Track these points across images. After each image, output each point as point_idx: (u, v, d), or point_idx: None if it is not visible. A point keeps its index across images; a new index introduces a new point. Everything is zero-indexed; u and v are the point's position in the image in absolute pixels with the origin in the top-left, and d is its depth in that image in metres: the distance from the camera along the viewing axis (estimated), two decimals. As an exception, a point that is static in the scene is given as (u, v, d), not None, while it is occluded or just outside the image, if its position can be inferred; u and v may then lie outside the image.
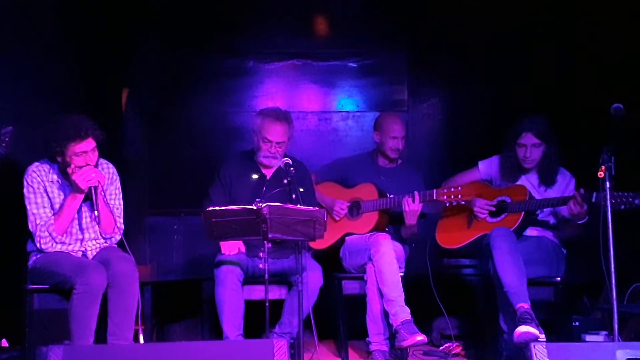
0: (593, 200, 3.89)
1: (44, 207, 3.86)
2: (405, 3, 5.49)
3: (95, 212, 3.79)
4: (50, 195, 3.89)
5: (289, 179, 3.97)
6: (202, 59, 5.56)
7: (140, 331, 3.76)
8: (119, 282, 3.71)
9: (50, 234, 3.82)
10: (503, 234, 4.02)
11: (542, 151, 4.28)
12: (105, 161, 4.03)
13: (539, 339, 3.65)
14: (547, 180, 4.29)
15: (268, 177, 4.39)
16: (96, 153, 3.85)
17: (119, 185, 4.06)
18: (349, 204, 4.59)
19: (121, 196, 4.06)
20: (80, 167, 3.77)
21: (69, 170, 3.78)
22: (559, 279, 4.19)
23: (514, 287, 3.88)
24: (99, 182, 3.80)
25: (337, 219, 4.57)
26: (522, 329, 3.70)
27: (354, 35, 5.58)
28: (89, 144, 3.80)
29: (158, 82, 5.53)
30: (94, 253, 3.96)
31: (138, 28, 5.44)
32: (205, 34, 5.50)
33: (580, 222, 4.07)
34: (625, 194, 3.73)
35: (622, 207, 3.73)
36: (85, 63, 4.96)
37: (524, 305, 3.82)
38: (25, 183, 3.86)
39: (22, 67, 4.40)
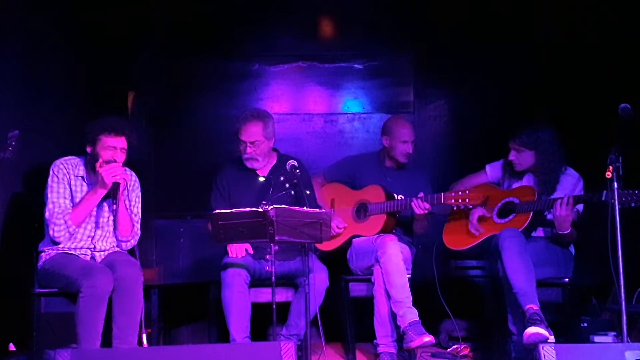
0: (602, 198, 3.87)
1: (65, 197, 3.91)
2: (411, 5, 5.48)
3: (114, 206, 3.85)
4: (73, 188, 3.94)
5: (295, 181, 3.96)
6: (207, 62, 5.57)
7: (144, 334, 3.76)
8: (123, 286, 3.72)
9: (65, 222, 3.84)
10: (512, 235, 4.01)
11: (533, 158, 4.29)
12: (129, 170, 4.06)
13: (549, 341, 3.64)
14: (545, 188, 4.27)
15: (264, 175, 4.38)
16: (124, 155, 3.92)
17: (139, 194, 4.12)
18: (345, 225, 4.56)
19: (140, 205, 4.10)
20: (107, 162, 3.83)
21: (97, 165, 3.84)
22: (567, 280, 4.18)
23: (523, 288, 3.86)
24: (123, 179, 3.85)
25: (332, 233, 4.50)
26: (532, 330, 3.69)
27: (360, 37, 5.58)
28: (121, 141, 3.89)
29: (164, 85, 5.54)
30: (102, 256, 3.97)
31: (143, 32, 5.44)
32: (211, 37, 5.50)
33: (562, 232, 4.07)
34: (636, 191, 3.71)
35: (632, 204, 3.71)
36: (91, 67, 4.97)
37: (533, 307, 3.80)
38: (51, 172, 3.93)
39: (27, 72, 4.41)
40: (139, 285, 3.75)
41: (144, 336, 3.78)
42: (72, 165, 3.97)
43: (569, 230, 4.07)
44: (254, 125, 4.30)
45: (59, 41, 4.73)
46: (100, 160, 3.85)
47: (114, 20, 5.13)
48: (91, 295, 3.62)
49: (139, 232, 4.04)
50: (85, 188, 3.95)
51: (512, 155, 4.34)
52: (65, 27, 4.80)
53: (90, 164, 3.92)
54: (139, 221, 4.08)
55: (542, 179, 4.29)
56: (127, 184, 3.92)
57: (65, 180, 3.92)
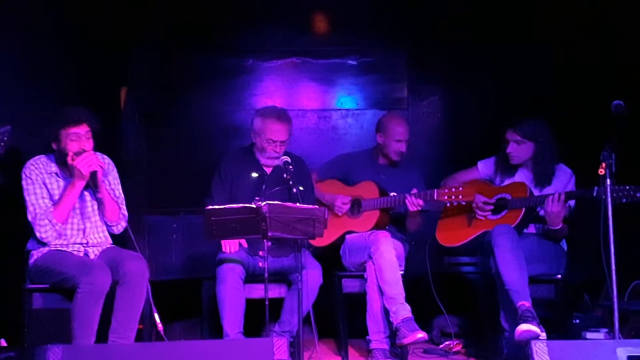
0: (594, 194, 3.88)
1: (43, 197, 3.87)
2: (405, 1, 5.48)
3: (99, 195, 3.84)
4: (49, 187, 3.90)
5: (288, 177, 3.96)
6: (200, 58, 5.55)
7: (159, 321, 3.76)
8: (129, 280, 3.70)
9: (50, 221, 3.81)
10: (505, 232, 4.01)
11: (532, 150, 4.28)
12: (100, 153, 4.02)
13: (540, 338, 3.64)
14: (540, 180, 4.27)
15: (268, 174, 4.39)
16: (91, 141, 3.87)
17: (116, 175, 4.08)
18: (351, 199, 4.57)
19: (120, 186, 4.08)
20: (77, 154, 3.79)
21: (69, 159, 3.81)
22: (559, 276, 4.19)
23: (516, 285, 3.87)
24: (100, 167, 3.82)
25: (340, 214, 4.55)
26: (524, 327, 3.69)
27: (354, 32, 5.56)
28: (82, 128, 3.83)
29: (157, 80, 5.52)
30: (96, 252, 3.95)
31: (137, 26, 5.42)
32: (204, 32, 5.48)
33: (553, 227, 4.07)
34: (627, 187, 3.73)
35: (624, 200, 3.72)
36: (84, 61, 4.95)
37: (525, 304, 3.81)
38: (23, 175, 3.89)
39: (20, 66, 4.39)
40: (145, 279, 3.74)
41: (156, 315, 3.76)
42: (43, 164, 3.92)
43: (560, 226, 4.08)
44: (284, 124, 4.30)
45: (54, 37, 4.71)
46: (71, 153, 3.81)
47: (108, 17, 5.10)
48: (89, 291, 3.60)
49: (126, 213, 4.02)
50: (61, 183, 3.91)
51: (511, 147, 4.30)
52: (59, 21, 4.78)
53: (60, 159, 3.89)
54: (124, 202, 4.05)
55: (538, 171, 4.28)
56: (103, 170, 3.88)
57: (40, 180, 3.88)
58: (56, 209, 3.82)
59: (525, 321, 3.73)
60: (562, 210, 4.03)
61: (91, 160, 3.79)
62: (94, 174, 3.81)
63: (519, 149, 4.29)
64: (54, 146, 3.88)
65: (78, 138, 3.82)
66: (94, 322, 3.62)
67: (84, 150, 3.81)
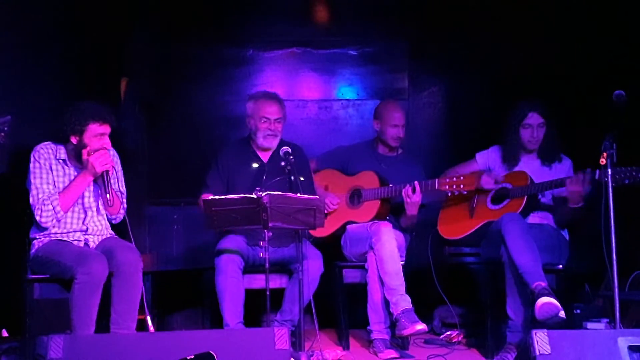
0: (596, 177, 3.87)
1: (48, 183, 3.90)
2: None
3: (108, 196, 3.88)
4: (55, 173, 3.93)
5: (288, 167, 3.96)
6: (201, 48, 5.54)
7: (149, 319, 3.77)
8: (123, 272, 3.71)
9: (54, 208, 3.83)
10: (513, 218, 4.00)
11: (545, 132, 4.27)
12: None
13: (560, 315, 3.62)
14: (549, 159, 4.27)
15: (265, 162, 4.38)
16: (109, 141, 3.92)
17: (120, 167, 4.10)
18: (339, 200, 4.57)
19: (123, 179, 4.10)
20: (95, 150, 3.83)
21: (84, 152, 3.84)
22: (561, 266, 4.18)
23: (530, 267, 3.83)
24: (112, 167, 3.88)
25: (325, 212, 4.53)
26: (544, 299, 3.65)
27: (355, 22, 5.55)
28: (107, 128, 3.90)
29: (157, 71, 5.50)
30: (96, 242, 3.97)
31: (137, 17, 5.40)
32: (204, 23, 5.47)
33: (574, 205, 4.05)
34: (629, 168, 3.70)
35: (626, 181, 3.70)
36: (84, 52, 4.93)
37: (541, 283, 3.76)
38: (32, 159, 3.91)
39: (20, 57, 4.37)
40: (139, 271, 3.75)
41: (149, 319, 3.78)
42: (52, 149, 3.95)
43: (582, 204, 4.03)
44: (275, 104, 4.35)
45: (53, 26, 4.69)
46: (89, 148, 3.84)
47: (107, 5, 5.09)
48: (86, 282, 3.61)
49: (125, 205, 4.06)
50: (68, 171, 3.94)
51: (536, 132, 4.27)
52: (59, 12, 4.76)
53: (75, 152, 3.90)
54: (125, 195, 4.07)
55: (546, 151, 4.29)
56: (114, 170, 3.93)
57: (47, 164, 3.91)
58: (62, 197, 3.85)
59: (545, 295, 3.68)
60: (582, 189, 3.97)
61: (107, 159, 3.85)
62: (105, 173, 3.85)
63: (539, 131, 4.29)
64: (73, 140, 3.88)
65: (102, 137, 3.88)
66: (92, 313, 3.64)
67: (103, 148, 3.86)
